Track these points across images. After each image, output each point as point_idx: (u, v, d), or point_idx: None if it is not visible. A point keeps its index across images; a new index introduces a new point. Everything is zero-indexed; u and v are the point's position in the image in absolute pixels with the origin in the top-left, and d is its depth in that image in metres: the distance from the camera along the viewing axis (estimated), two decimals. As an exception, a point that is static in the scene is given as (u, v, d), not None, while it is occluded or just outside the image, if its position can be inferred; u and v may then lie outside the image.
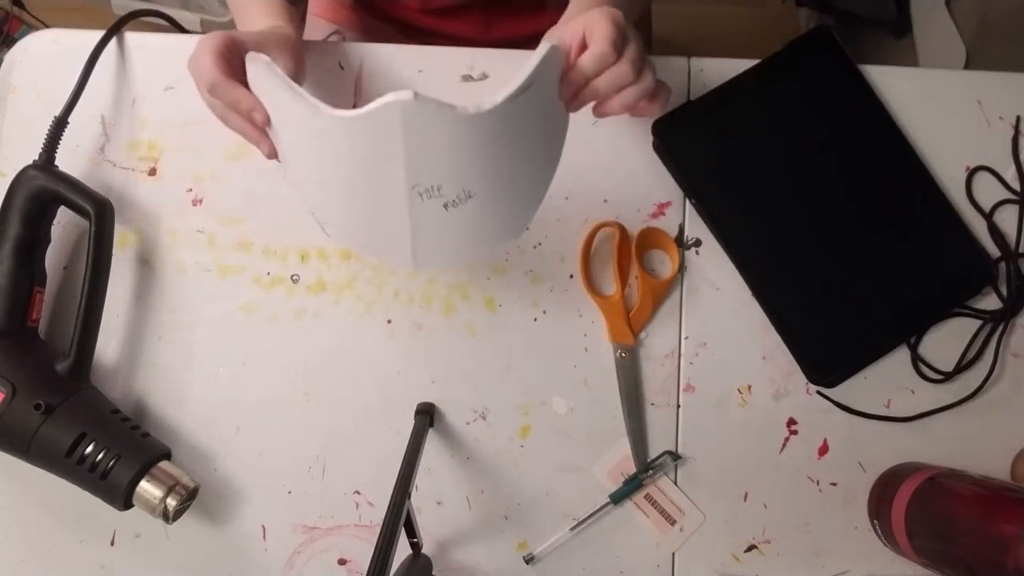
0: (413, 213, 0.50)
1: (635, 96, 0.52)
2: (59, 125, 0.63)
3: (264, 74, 0.50)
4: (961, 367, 0.64)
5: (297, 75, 0.56)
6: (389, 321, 0.65)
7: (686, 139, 0.65)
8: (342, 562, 0.64)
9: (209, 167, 0.67)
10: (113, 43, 0.67)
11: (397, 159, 0.47)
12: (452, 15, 0.77)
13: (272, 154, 0.53)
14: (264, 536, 0.64)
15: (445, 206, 0.50)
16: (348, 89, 0.68)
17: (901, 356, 0.65)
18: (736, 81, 0.66)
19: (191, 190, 0.66)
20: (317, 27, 0.84)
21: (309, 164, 0.52)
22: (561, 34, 0.51)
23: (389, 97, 0.44)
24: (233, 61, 0.51)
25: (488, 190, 0.50)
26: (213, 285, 0.66)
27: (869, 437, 0.64)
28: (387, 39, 0.83)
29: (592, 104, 0.53)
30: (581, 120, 0.67)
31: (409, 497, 0.52)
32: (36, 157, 0.62)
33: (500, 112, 0.46)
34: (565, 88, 0.51)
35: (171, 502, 0.58)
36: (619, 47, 0.50)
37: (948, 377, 0.64)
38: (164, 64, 0.68)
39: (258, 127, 0.51)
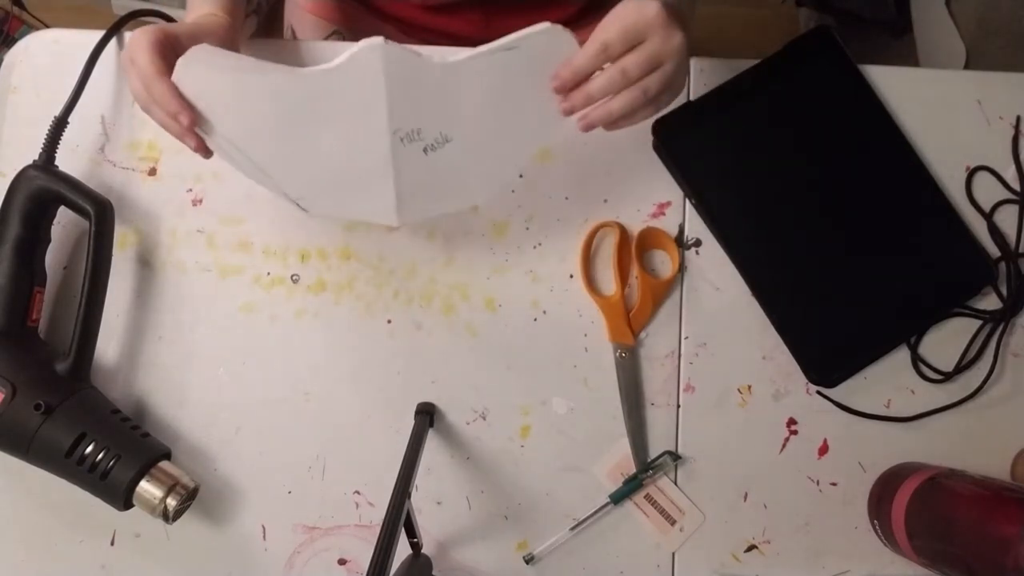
0: (396, 160, 0.53)
1: (621, 107, 0.51)
2: (59, 125, 0.63)
3: (217, 63, 0.50)
4: (961, 367, 0.64)
5: None
6: (389, 321, 0.65)
7: (686, 139, 0.65)
8: (342, 562, 0.64)
9: (209, 167, 0.66)
10: (113, 43, 0.67)
11: (379, 104, 0.50)
12: (451, 13, 0.77)
13: (200, 148, 0.54)
14: (264, 536, 0.64)
15: (425, 150, 0.53)
16: (348, 89, 0.68)
17: (901, 356, 0.65)
18: (736, 81, 0.66)
19: (191, 190, 0.66)
20: (317, 27, 0.84)
21: (281, 139, 0.54)
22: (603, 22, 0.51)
23: (366, 42, 0.46)
24: (167, 55, 0.52)
25: (464, 136, 0.53)
26: (213, 285, 0.66)
27: (869, 437, 0.64)
28: (387, 38, 0.83)
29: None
30: (581, 120, 0.67)
31: (409, 497, 0.52)
32: (36, 157, 0.62)
33: (473, 65, 0.49)
34: (556, 81, 0.50)
35: (171, 502, 0.58)
36: (614, 50, 0.49)
37: (948, 377, 0.64)
38: (164, 64, 0.68)
39: (185, 127, 0.52)
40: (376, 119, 0.51)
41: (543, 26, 0.49)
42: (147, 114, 0.54)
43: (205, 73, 0.52)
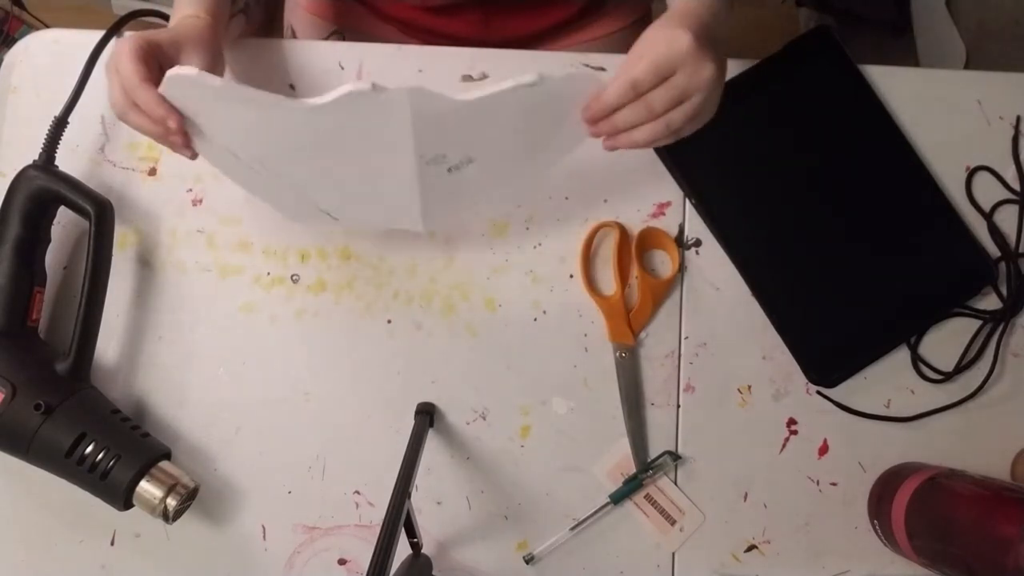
0: (422, 179, 0.56)
1: (644, 138, 0.52)
2: (59, 125, 0.63)
3: (235, 91, 0.52)
4: (961, 367, 0.64)
5: (211, 69, 0.56)
6: (389, 321, 0.65)
7: (686, 139, 0.65)
8: (342, 562, 0.64)
9: (209, 167, 0.66)
10: (113, 43, 0.67)
11: (406, 137, 0.52)
12: (451, 14, 0.77)
13: (187, 146, 0.55)
14: (264, 536, 0.64)
15: (449, 170, 0.56)
16: (348, 89, 0.68)
17: (901, 356, 0.65)
18: (736, 81, 0.66)
19: (191, 190, 0.66)
20: (317, 27, 0.84)
21: (311, 160, 0.56)
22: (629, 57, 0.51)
23: (390, 90, 0.48)
24: (150, 62, 0.53)
25: (486, 158, 0.56)
26: (213, 285, 0.66)
27: (869, 437, 0.64)
28: (387, 39, 0.83)
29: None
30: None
31: (409, 497, 0.52)
32: (36, 157, 0.62)
33: (495, 99, 0.50)
34: (586, 112, 0.51)
35: (171, 502, 0.58)
36: (643, 87, 0.50)
37: (948, 377, 0.64)
38: (164, 64, 0.68)
39: (172, 130, 0.53)
40: (402, 147, 0.53)
41: (570, 70, 0.52)
42: (123, 121, 0.55)
43: (196, 94, 0.52)
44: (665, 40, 0.50)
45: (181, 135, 0.53)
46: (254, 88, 0.50)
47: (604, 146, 0.54)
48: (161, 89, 0.52)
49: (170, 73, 0.52)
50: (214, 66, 0.57)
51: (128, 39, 0.53)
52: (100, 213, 0.61)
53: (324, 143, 0.53)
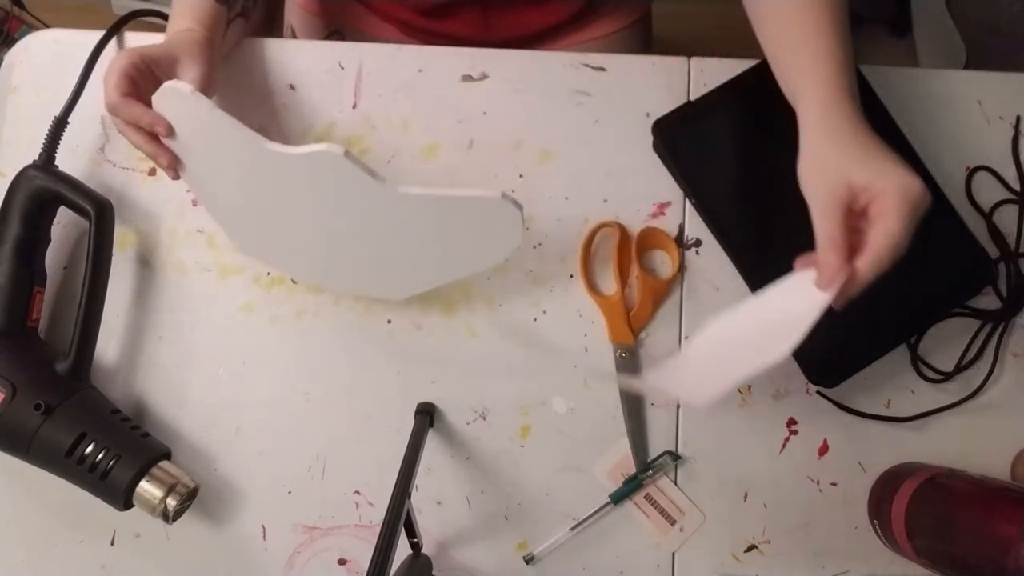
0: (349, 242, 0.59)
1: (864, 275, 0.48)
2: (59, 125, 0.63)
3: (197, 110, 0.54)
4: (961, 367, 0.64)
5: (207, 82, 0.58)
6: (389, 321, 0.65)
7: (686, 139, 0.65)
8: (342, 562, 0.64)
9: (209, 167, 0.67)
10: (113, 43, 0.67)
11: (331, 196, 0.55)
12: (450, 14, 0.77)
13: (172, 166, 0.58)
14: (264, 536, 0.64)
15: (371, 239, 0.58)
16: (348, 89, 0.68)
17: (901, 356, 0.65)
18: (736, 81, 0.66)
19: (191, 190, 0.66)
20: (317, 27, 0.84)
21: (274, 203, 0.58)
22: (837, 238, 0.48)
23: (326, 147, 0.51)
24: (139, 78, 0.56)
25: (404, 243, 0.58)
26: (213, 285, 0.66)
27: (869, 437, 0.64)
28: (387, 38, 0.83)
29: None
30: (581, 119, 0.67)
31: (409, 497, 0.52)
32: (36, 157, 0.62)
33: (423, 200, 0.54)
34: (826, 284, 0.49)
35: (171, 502, 0.58)
36: (902, 249, 0.47)
37: (948, 377, 0.64)
38: (164, 64, 0.68)
39: (158, 143, 0.57)
40: (327, 206, 0.56)
41: (495, 196, 0.53)
42: (123, 135, 0.57)
43: (186, 111, 0.55)
44: (902, 190, 0.47)
45: (167, 151, 0.57)
46: (236, 121, 0.52)
47: (835, 305, 0.50)
48: (155, 98, 0.55)
49: (166, 85, 0.54)
50: (209, 79, 0.58)
51: (121, 55, 0.56)
52: (100, 213, 0.61)
53: (287, 190, 0.56)
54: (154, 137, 0.57)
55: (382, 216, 0.55)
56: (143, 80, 0.56)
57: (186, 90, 0.53)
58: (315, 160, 0.51)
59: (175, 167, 0.58)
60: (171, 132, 0.55)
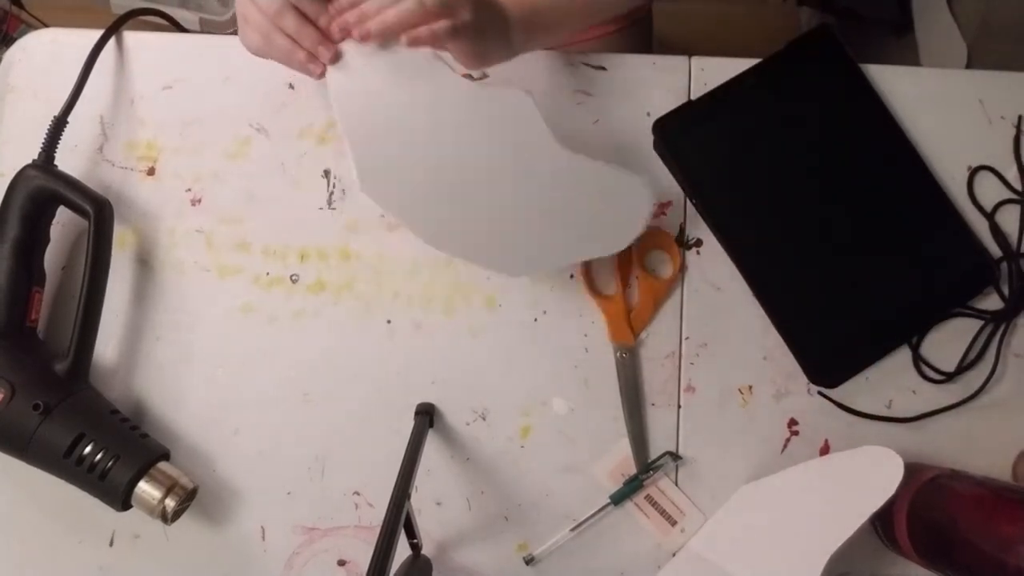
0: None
1: (395, 20, 0.50)
2: (58, 125, 0.62)
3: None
4: (963, 367, 0.64)
5: None
6: (389, 321, 0.65)
7: (686, 139, 0.65)
8: (341, 563, 0.63)
9: (208, 167, 0.66)
10: (112, 42, 0.67)
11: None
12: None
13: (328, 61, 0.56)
14: (263, 537, 0.64)
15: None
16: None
17: (902, 356, 0.65)
18: (736, 81, 0.66)
19: (190, 190, 0.66)
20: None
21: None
22: None
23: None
24: None
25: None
26: (212, 285, 0.65)
27: (870, 438, 0.64)
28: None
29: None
30: (581, 119, 0.67)
31: (409, 498, 0.52)
32: (35, 157, 0.62)
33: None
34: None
35: (170, 503, 0.58)
36: None
37: (949, 377, 0.64)
38: (163, 63, 0.68)
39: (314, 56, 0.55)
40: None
41: (637, 177, 0.58)
42: (264, 56, 0.56)
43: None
44: None
45: (331, 46, 0.55)
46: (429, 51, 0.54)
47: (354, 35, 0.53)
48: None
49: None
50: None
51: None
52: (99, 213, 0.61)
53: (447, 132, 0.57)
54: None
55: (531, 176, 0.57)
56: None
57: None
58: (499, 101, 0.55)
59: (322, 69, 0.56)
60: (337, 58, 0.56)
